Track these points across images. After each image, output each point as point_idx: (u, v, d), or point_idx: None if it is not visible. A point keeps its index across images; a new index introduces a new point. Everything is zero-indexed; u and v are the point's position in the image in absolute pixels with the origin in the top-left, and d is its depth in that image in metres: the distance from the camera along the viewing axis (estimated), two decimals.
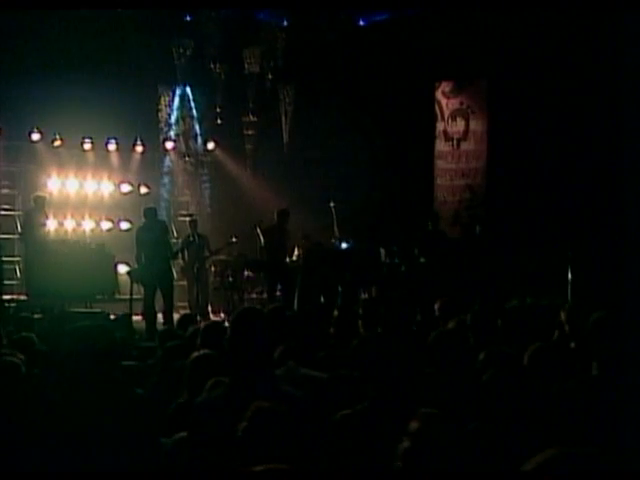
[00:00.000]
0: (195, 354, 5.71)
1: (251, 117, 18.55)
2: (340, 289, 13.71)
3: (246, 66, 17.75)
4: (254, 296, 16.36)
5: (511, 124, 17.17)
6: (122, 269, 16.00)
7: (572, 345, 5.84)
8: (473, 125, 18.50)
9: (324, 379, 5.25)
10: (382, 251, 14.79)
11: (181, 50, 17.29)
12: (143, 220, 14.14)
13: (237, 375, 4.59)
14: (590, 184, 16.08)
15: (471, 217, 17.72)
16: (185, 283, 16.76)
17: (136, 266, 13.61)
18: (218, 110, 18.54)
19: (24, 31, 16.34)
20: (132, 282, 13.74)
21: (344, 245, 15.63)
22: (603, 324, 4.48)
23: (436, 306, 8.19)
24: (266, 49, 17.76)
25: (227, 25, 17.07)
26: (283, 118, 18.26)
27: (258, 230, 14.74)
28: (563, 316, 6.21)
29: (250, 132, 18.73)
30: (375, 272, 14.36)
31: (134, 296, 13.58)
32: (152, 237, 13.48)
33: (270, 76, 17.92)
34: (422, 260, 14.24)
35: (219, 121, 18.69)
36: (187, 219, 17.67)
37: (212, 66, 17.57)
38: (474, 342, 5.59)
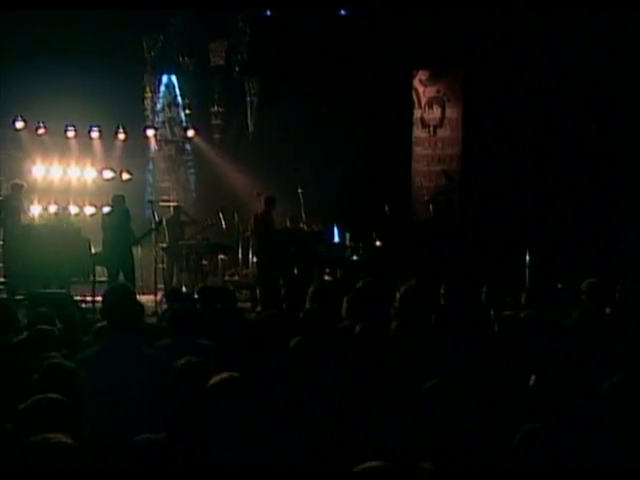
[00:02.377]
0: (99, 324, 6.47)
1: (217, 108, 19.14)
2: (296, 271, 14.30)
3: (212, 59, 18.32)
4: (227, 278, 16.97)
5: (485, 112, 17.57)
6: None
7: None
8: (449, 112, 18.89)
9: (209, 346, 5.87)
10: (347, 235, 15.31)
11: (151, 43, 17.80)
12: (110, 207, 14.85)
13: (105, 338, 5.55)
14: (561, 170, 16.52)
15: (446, 202, 18.16)
16: (164, 266, 17.34)
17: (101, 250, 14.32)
18: (187, 101, 19.17)
19: (7, 20, 16.73)
20: (94, 265, 14.37)
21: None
22: (410, 295, 5.01)
23: (358, 285, 8.64)
24: (232, 43, 18.30)
25: (194, 19, 17.61)
26: (248, 109, 18.83)
27: (220, 215, 15.29)
28: (442, 291, 6.74)
29: (217, 122, 19.34)
30: (335, 255, 14.89)
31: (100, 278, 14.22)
32: (115, 223, 14.26)
33: (237, 68, 18.46)
34: (377, 244, 14.72)
35: (187, 111, 19.34)
36: (170, 204, 18.26)
37: (180, 59, 18.15)
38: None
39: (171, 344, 6.13)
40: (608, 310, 7.19)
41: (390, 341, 5.00)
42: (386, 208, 15.66)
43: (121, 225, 14.39)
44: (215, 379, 3.86)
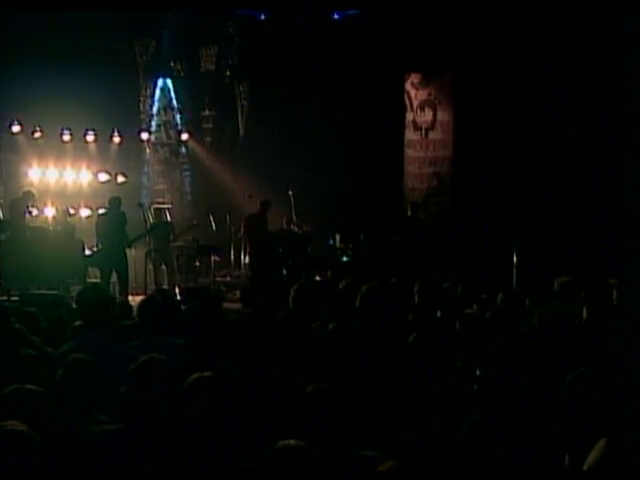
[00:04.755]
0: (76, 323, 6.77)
1: (208, 112, 19.43)
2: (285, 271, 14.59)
3: (202, 64, 18.59)
4: (219, 279, 17.21)
5: (476, 114, 17.75)
6: None
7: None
8: (440, 115, 19.07)
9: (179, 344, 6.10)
10: (337, 236, 15.57)
11: (143, 48, 18.04)
12: (105, 208, 15.11)
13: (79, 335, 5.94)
14: (551, 171, 16.70)
15: (438, 204, 18.39)
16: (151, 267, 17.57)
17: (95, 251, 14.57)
18: (179, 105, 19.48)
19: (2, 25, 16.94)
20: (87, 266, 14.60)
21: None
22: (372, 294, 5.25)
23: (341, 285, 8.88)
24: (222, 48, 18.55)
25: (185, 24, 17.86)
26: (239, 113, 19.09)
27: (211, 218, 15.55)
28: (416, 288, 6.98)
29: (208, 126, 19.62)
30: (325, 256, 15.16)
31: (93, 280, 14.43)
32: (109, 225, 14.47)
33: (227, 73, 18.72)
34: (365, 246, 14.99)
35: (179, 115, 19.63)
36: (164, 206, 18.48)
37: (172, 64, 18.41)
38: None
39: (140, 343, 6.30)
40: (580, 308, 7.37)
41: (352, 341, 5.21)
42: (374, 211, 15.87)
43: (115, 227, 14.61)
44: (190, 378, 4.05)
